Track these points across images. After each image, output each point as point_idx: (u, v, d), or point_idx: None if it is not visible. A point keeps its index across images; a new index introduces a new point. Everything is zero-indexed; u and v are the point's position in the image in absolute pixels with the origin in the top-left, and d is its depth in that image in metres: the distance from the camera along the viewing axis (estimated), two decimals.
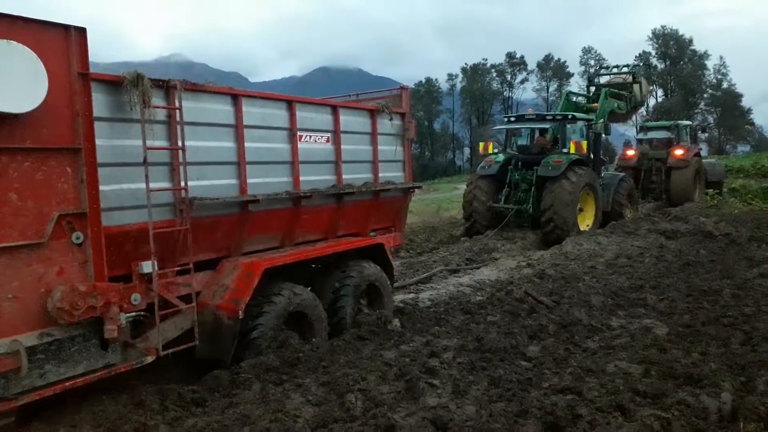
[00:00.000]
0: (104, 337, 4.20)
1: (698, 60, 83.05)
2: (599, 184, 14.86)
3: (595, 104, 16.81)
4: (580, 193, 13.68)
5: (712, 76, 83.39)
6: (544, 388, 4.57)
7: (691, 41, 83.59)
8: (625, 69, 19.71)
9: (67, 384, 4.02)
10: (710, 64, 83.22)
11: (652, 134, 22.62)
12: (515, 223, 14.41)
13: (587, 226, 14.24)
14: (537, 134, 15.79)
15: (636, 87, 18.61)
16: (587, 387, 4.43)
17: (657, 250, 11.20)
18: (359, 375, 4.77)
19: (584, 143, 14.37)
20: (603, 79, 19.57)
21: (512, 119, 16.35)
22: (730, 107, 79.10)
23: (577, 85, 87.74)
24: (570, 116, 14.99)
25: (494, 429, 3.85)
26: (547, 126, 15.49)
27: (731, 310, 6.68)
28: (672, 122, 23.34)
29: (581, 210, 14.09)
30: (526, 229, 14.39)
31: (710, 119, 74.28)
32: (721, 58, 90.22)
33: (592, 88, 19.06)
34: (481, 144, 16.07)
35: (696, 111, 78.32)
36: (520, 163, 14.70)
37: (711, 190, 20.46)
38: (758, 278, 8.26)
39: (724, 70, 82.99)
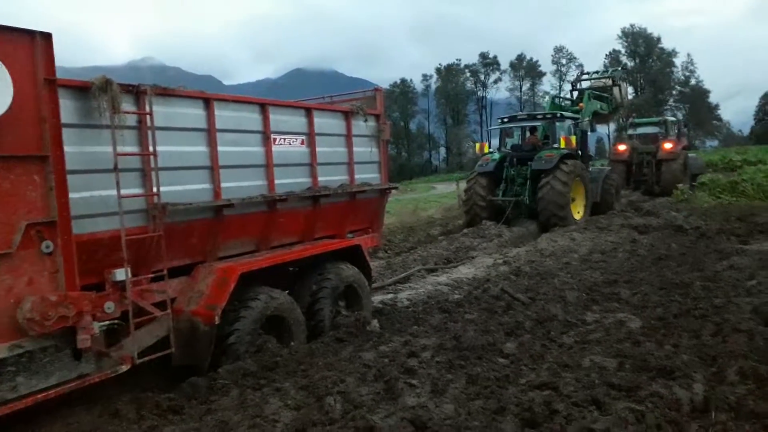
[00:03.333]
0: (77, 347, 4.13)
1: (666, 57, 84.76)
2: (588, 176, 15.97)
3: (581, 104, 17.89)
4: (572, 183, 14.67)
5: (680, 73, 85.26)
6: (521, 385, 4.61)
7: (659, 39, 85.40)
8: (606, 73, 21.11)
9: (39, 396, 3.94)
10: (678, 61, 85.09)
11: (641, 130, 24.62)
12: (513, 215, 15.31)
13: (578, 214, 15.23)
14: (528, 133, 16.78)
15: (616, 90, 19.83)
16: (563, 382, 4.48)
17: (630, 245, 11.40)
18: (338, 377, 4.76)
19: (573, 138, 15.40)
20: (585, 84, 20.62)
21: (506, 120, 17.46)
22: (698, 103, 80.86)
23: (549, 83, 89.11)
24: (559, 115, 16.25)
25: (472, 427, 3.87)
26: (537, 124, 16.62)
27: (702, 302, 6.81)
28: (660, 118, 25.56)
29: (573, 200, 15.04)
30: (509, 223, 15.15)
31: (679, 115, 75.82)
32: (688, 55, 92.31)
33: (576, 92, 20.12)
34: (477, 144, 17.59)
35: (665, 108, 79.84)
36: (515, 160, 15.77)
37: (682, 185, 21.21)
38: (727, 270, 8.44)
39: (691, 67, 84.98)
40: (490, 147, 17.02)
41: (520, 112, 20.18)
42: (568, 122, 16.32)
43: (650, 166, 22.51)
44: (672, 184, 21.07)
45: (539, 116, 16.84)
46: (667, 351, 5.14)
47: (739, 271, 8.26)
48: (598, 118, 19.39)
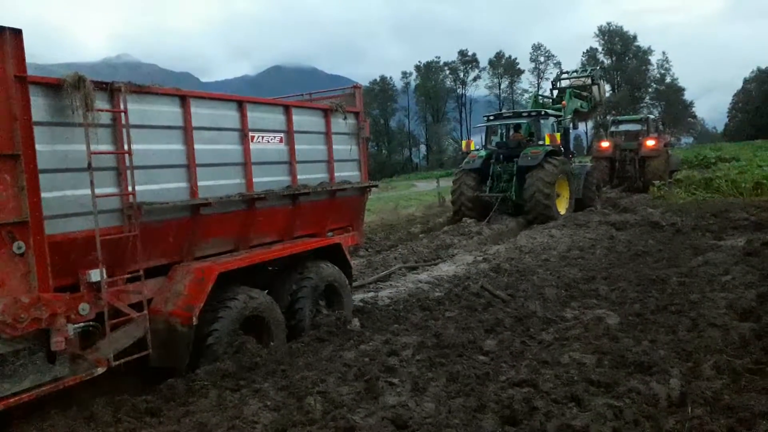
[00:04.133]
0: (51, 349, 4.04)
1: (642, 55, 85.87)
2: (572, 172, 16.50)
3: (564, 102, 18.45)
4: (557, 179, 15.15)
5: (656, 71, 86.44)
6: (501, 382, 4.63)
7: (635, 37, 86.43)
8: (585, 72, 21.68)
9: (12, 400, 3.86)
10: (654, 59, 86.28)
11: (623, 127, 25.35)
12: (500, 210, 15.69)
13: (563, 209, 15.74)
14: (513, 130, 17.26)
15: (595, 88, 20.38)
16: (543, 379, 4.52)
17: (608, 242, 11.53)
18: (318, 377, 4.73)
19: (558, 135, 15.87)
20: (564, 83, 21.14)
21: (491, 118, 17.98)
22: (673, 101, 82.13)
23: (528, 81, 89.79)
24: (543, 112, 16.73)
25: (453, 425, 3.88)
26: (522, 122, 17.10)
27: (678, 297, 6.91)
28: (642, 116, 26.41)
29: (558, 195, 15.50)
30: (503, 218, 15.56)
31: (656, 113, 76.95)
32: (663, 53, 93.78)
33: (556, 91, 20.63)
34: (464, 142, 18.22)
35: (641, 105, 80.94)
36: (501, 157, 16.29)
37: (658, 181, 21.69)
38: (703, 266, 8.58)
39: (666, 65, 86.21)
40: (474, 144, 17.46)
41: (505, 110, 20.70)
42: (552, 120, 16.81)
43: (633, 162, 23.17)
44: (656, 179, 21.72)
45: (524, 114, 17.28)
46: (644, 347, 5.21)
47: (714, 267, 8.40)
48: (578, 115, 19.91)
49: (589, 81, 20.56)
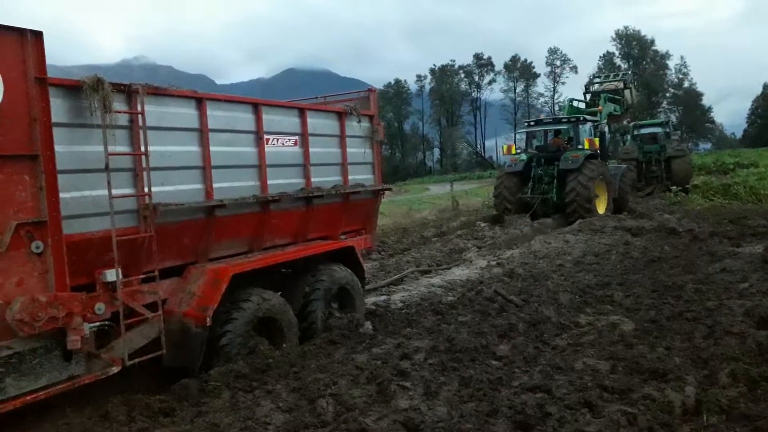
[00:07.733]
0: (67, 348, 4.09)
1: (660, 60, 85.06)
2: (609, 174, 17.18)
3: (600, 107, 19.09)
4: (596, 181, 15.79)
5: (674, 75, 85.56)
6: (514, 387, 4.60)
7: (652, 42, 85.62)
8: (617, 77, 22.40)
9: (28, 398, 3.91)
10: (671, 63, 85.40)
11: (645, 130, 26.48)
12: (541, 210, 16.52)
13: (602, 208, 16.33)
14: (551, 135, 18.06)
15: (627, 92, 21.06)
16: (556, 385, 4.48)
17: (623, 247, 11.43)
18: (330, 380, 4.74)
19: (596, 140, 16.58)
20: (596, 87, 21.64)
21: (532, 123, 19.02)
22: (691, 106, 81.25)
23: (543, 85, 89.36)
24: (582, 118, 17.48)
25: (465, 429, 3.86)
26: (561, 127, 17.86)
27: (694, 304, 6.83)
28: (663, 119, 27.29)
29: (597, 196, 16.10)
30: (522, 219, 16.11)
31: (673, 118, 76.16)
32: (681, 57, 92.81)
33: (588, 95, 21.23)
34: (505, 146, 18.98)
35: (659, 110, 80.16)
36: (542, 160, 17.12)
37: (675, 186, 21.64)
38: (720, 273, 8.48)
39: (684, 70, 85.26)
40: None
41: (545, 116, 21.46)
42: (589, 125, 17.46)
43: (659, 164, 24.14)
44: (683, 178, 22.70)
45: (564, 120, 17.99)
46: (659, 353, 5.15)
47: (731, 274, 8.30)
48: (611, 118, 20.45)
49: (621, 85, 21.02)
